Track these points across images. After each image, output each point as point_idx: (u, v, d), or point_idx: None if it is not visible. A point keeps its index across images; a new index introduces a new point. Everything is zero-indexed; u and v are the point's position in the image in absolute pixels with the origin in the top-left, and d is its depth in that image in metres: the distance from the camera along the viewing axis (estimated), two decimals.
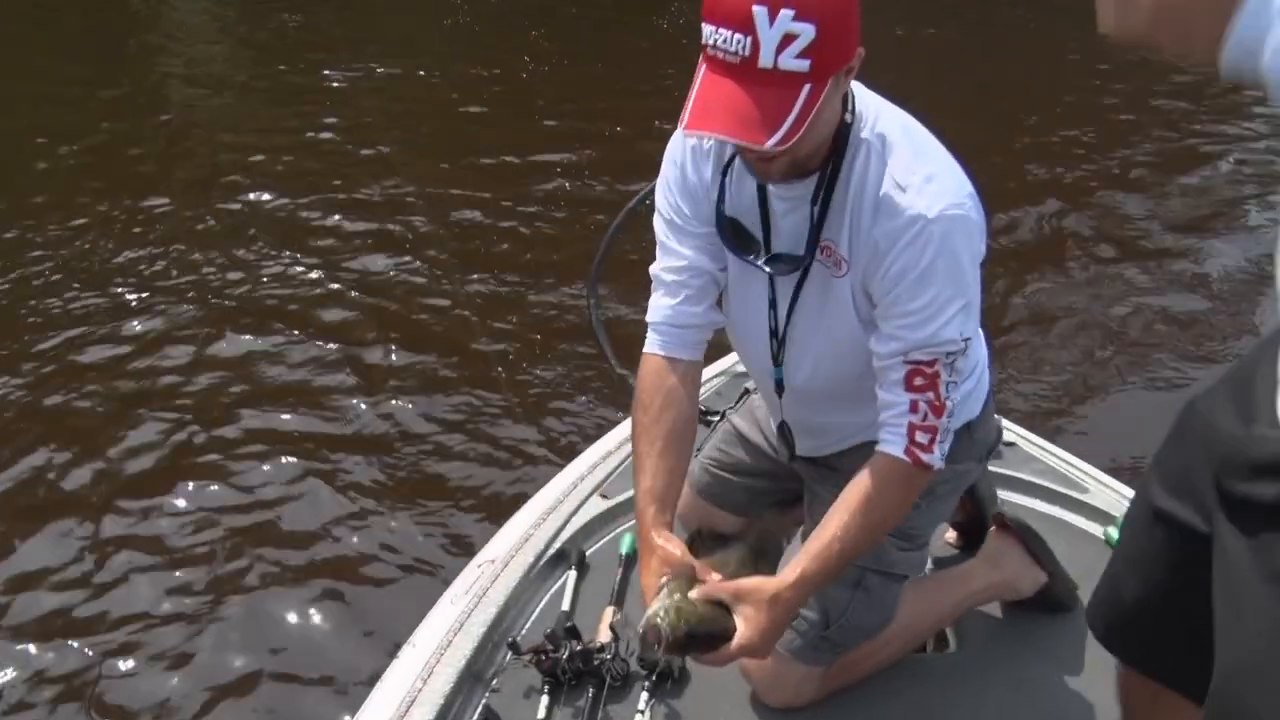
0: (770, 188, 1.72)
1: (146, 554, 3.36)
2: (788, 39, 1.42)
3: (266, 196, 6.09)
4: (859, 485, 1.71)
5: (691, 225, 1.83)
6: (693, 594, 1.68)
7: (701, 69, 1.51)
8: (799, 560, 1.70)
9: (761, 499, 2.32)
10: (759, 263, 1.74)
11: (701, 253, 1.83)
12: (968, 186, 1.64)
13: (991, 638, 2.20)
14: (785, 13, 1.40)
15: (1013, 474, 2.56)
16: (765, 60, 1.43)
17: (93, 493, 3.64)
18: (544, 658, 2.03)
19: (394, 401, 4.16)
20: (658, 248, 1.89)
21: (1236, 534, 1.17)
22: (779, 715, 2.00)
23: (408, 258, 5.33)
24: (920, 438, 1.67)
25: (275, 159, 6.63)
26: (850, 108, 1.63)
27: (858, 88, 1.67)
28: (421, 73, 8.53)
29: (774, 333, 1.87)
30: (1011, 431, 2.67)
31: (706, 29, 1.48)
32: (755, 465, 2.27)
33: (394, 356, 4.48)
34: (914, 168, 1.61)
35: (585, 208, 5.88)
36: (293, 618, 3.11)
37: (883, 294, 1.66)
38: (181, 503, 3.59)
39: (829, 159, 1.65)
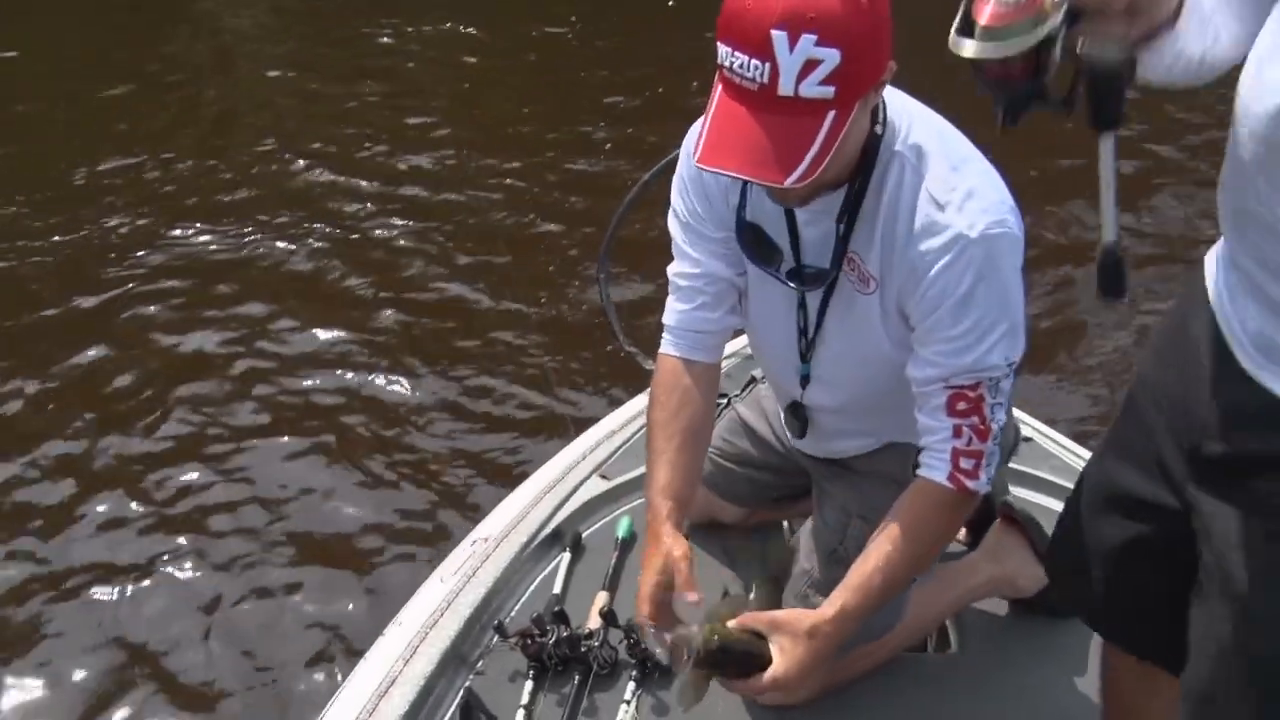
0: None
1: (139, 516, 3.35)
2: (810, 65, 1.31)
3: (292, 156, 6.09)
4: (902, 514, 1.65)
5: (707, 229, 1.74)
6: (690, 596, 1.62)
7: (718, 89, 1.41)
8: (839, 593, 1.64)
9: (765, 492, 2.26)
10: (780, 275, 1.65)
11: (717, 258, 1.75)
12: (1009, 198, 1.54)
13: (994, 639, 2.12)
14: (807, 37, 1.29)
15: (1027, 470, 2.47)
16: (785, 88, 1.33)
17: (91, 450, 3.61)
18: (530, 642, 1.97)
19: (395, 374, 4.13)
20: (673, 249, 1.81)
21: (1225, 499, 1.15)
22: (773, 713, 1.94)
23: (421, 226, 5.30)
24: (965, 464, 1.59)
25: (309, 118, 6.63)
26: (881, 118, 1.53)
27: (888, 92, 1.56)
28: (471, 30, 8.30)
29: (803, 331, 1.79)
30: (1028, 425, 2.58)
31: (722, 50, 1.37)
32: (760, 458, 2.20)
33: (400, 325, 4.46)
34: (952, 182, 1.51)
35: (615, 182, 5.77)
36: (283, 590, 3.08)
37: (921, 317, 1.57)
38: (170, 468, 3.58)
39: (857, 173, 1.55)
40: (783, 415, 2.03)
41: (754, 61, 1.32)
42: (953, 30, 1.11)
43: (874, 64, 1.38)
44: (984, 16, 1.05)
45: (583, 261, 4.73)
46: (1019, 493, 2.41)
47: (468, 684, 1.97)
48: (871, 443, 1.94)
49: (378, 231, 5.27)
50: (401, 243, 5.11)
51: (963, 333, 1.53)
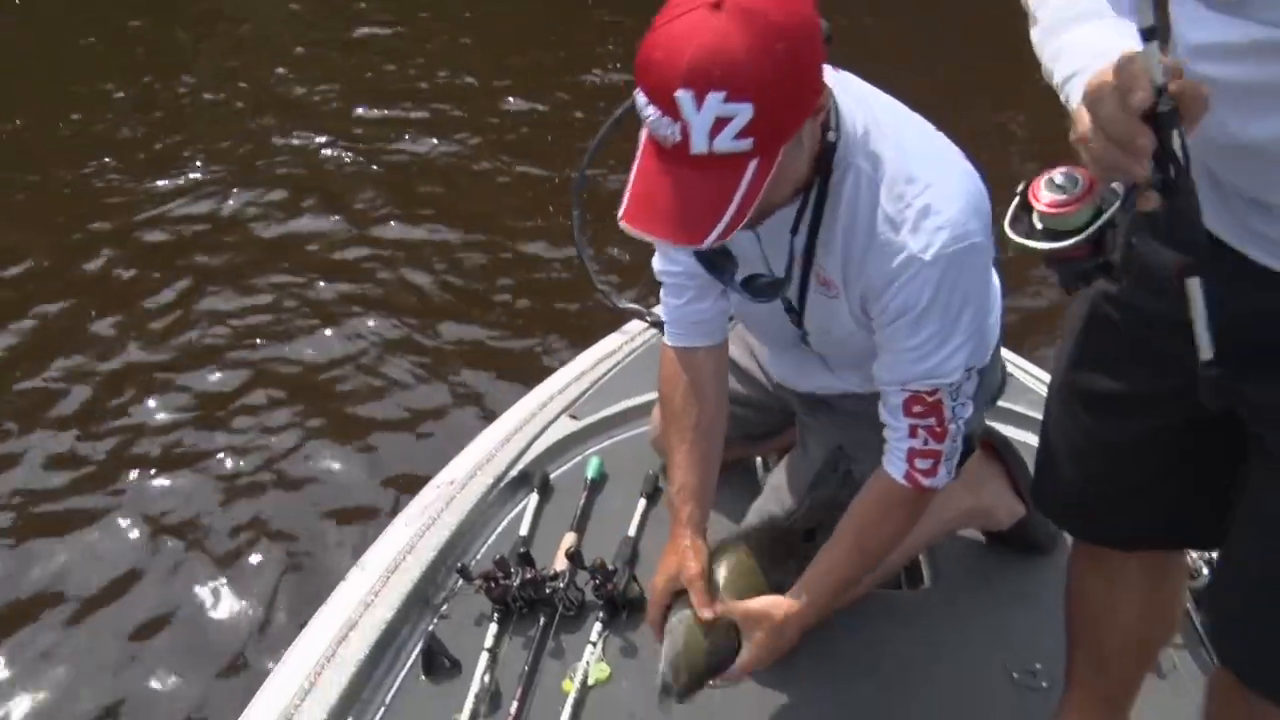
0: None
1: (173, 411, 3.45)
2: (721, 122, 1.22)
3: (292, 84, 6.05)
4: (862, 511, 1.65)
5: None
6: (705, 613, 1.62)
7: (643, 140, 1.33)
8: (804, 584, 1.64)
9: (745, 428, 2.21)
10: (735, 283, 1.56)
11: (693, 257, 1.66)
12: (973, 200, 1.45)
13: (968, 576, 2.09)
14: (714, 95, 1.20)
15: (1008, 406, 2.42)
16: (698, 146, 1.24)
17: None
18: (494, 584, 1.93)
19: (364, 318, 4.04)
20: (655, 244, 1.75)
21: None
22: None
23: (387, 171, 5.20)
24: (921, 464, 1.58)
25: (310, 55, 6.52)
26: (834, 123, 1.44)
27: (845, 85, 1.48)
28: None
29: (791, 307, 1.74)
30: (1009, 362, 2.52)
31: (638, 99, 1.28)
32: (744, 393, 2.15)
33: (368, 270, 4.37)
34: (908, 197, 1.43)
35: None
36: (247, 544, 3.03)
37: (880, 327, 1.54)
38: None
39: (813, 182, 1.47)
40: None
41: (665, 119, 1.24)
42: (1008, 216, 1.08)
43: (795, 109, 1.29)
44: (1040, 203, 1.03)
45: (560, 198, 4.65)
46: (1000, 429, 2.36)
47: (430, 628, 1.93)
48: (859, 389, 1.89)
49: (346, 171, 5.19)
50: (369, 194, 5.00)
51: (919, 344, 1.50)
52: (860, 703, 1.86)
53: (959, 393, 1.54)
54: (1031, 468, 2.11)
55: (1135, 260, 1.01)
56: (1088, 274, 1.04)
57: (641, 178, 1.32)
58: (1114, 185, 0.99)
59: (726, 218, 1.27)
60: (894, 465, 1.60)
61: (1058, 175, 1.02)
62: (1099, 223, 0.99)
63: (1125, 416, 1.38)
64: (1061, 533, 2.13)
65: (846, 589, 1.66)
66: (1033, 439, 2.33)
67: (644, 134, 1.32)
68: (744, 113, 1.21)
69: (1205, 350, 1.01)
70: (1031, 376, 2.53)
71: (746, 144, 1.24)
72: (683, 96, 1.20)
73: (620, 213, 1.33)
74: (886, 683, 1.89)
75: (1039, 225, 1.04)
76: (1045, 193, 1.02)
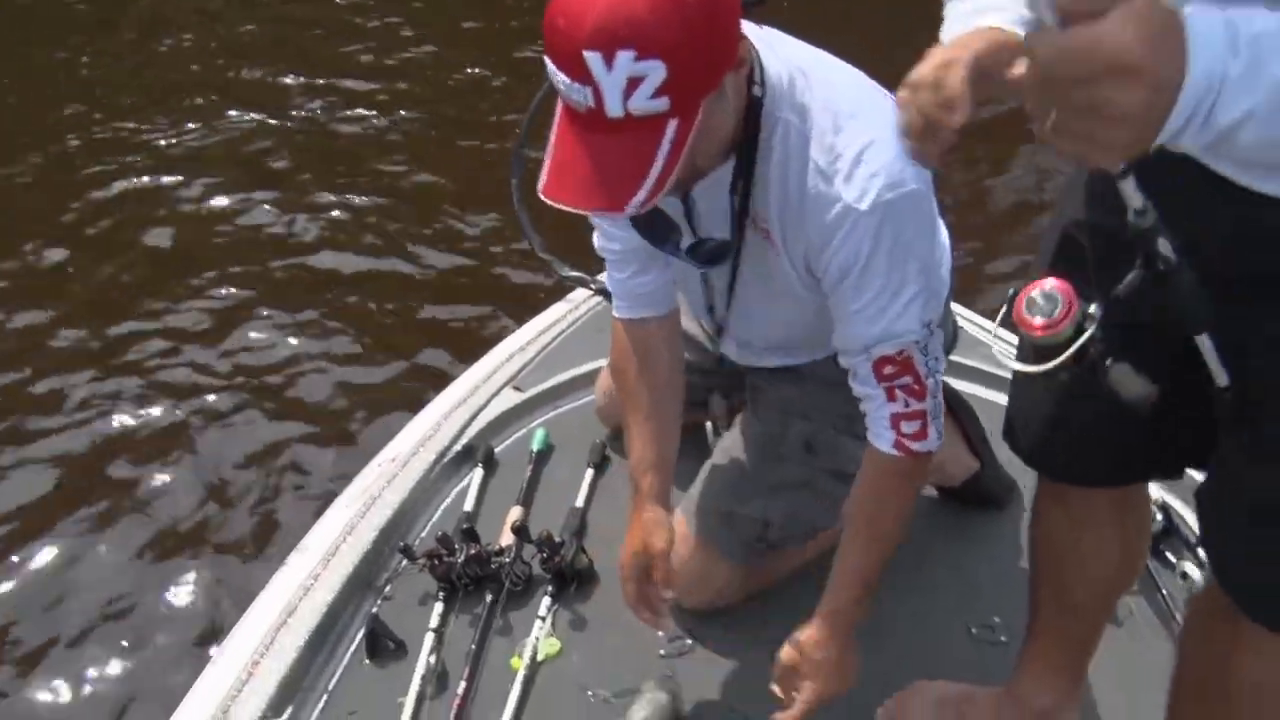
0: None
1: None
2: (634, 82, 1.16)
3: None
4: (863, 497, 1.57)
5: None
6: (667, 593, 1.68)
7: (559, 111, 1.27)
8: (828, 600, 1.57)
9: (691, 394, 2.14)
10: (680, 253, 1.51)
11: (632, 231, 1.58)
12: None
13: (923, 533, 2.04)
14: (623, 55, 1.14)
15: (958, 359, 2.38)
16: (613, 110, 1.18)
17: None
18: (438, 562, 1.88)
19: (306, 294, 3.95)
20: (592, 220, 1.70)
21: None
22: (696, 618, 1.86)
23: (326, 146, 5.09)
24: (907, 427, 1.50)
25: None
26: (759, 78, 1.38)
27: (768, 40, 1.42)
28: None
29: (710, 309, 1.74)
30: (956, 315, 2.49)
31: (549, 66, 1.22)
32: (691, 359, 2.08)
33: (314, 242, 4.29)
34: (839, 147, 1.37)
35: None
36: (186, 525, 2.94)
37: (829, 289, 1.48)
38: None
39: (744, 139, 1.41)
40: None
41: (576, 85, 1.18)
42: (995, 322, 1.15)
43: (710, 64, 1.23)
44: (1032, 327, 1.08)
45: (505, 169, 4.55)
46: (951, 383, 2.32)
47: (374, 610, 1.87)
48: (806, 360, 1.84)
49: (284, 145, 5.08)
50: (308, 168, 4.89)
51: (869, 302, 1.44)
52: None
53: (927, 349, 1.48)
54: (984, 422, 2.12)
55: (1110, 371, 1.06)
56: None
57: (559, 147, 1.26)
58: (1090, 309, 1.06)
59: (649, 181, 1.22)
60: (881, 438, 1.52)
61: (1037, 296, 1.07)
62: (1080, 341, 1.05)
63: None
64: (1017, 485, 2.10)
65: (870, 592, 1.58)
66: (983, 392, 2.34)
67: (559, 105, 1.27)
68: (656, 71, 1.16)
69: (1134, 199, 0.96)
70: (979, 328, 2.49)
71: (663, 103, 1.19)
72: (591, 58, 1.15)
73: (540, 185, 1.27)
74: None
75: (1029, 344, 1.10)
76: (1030, 316, 1.08)
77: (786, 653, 1.56)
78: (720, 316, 1.77)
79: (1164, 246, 0.91)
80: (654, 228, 1.49)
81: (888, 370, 1.47)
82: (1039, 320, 1.07)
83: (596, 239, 1.73)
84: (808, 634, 1.55)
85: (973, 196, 4.61)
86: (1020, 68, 1.00)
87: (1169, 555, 1.91)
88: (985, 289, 3.80)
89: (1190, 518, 1.97)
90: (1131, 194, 0.89)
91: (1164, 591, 1.88)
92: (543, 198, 1.28)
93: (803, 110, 1.40)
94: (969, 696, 1.69)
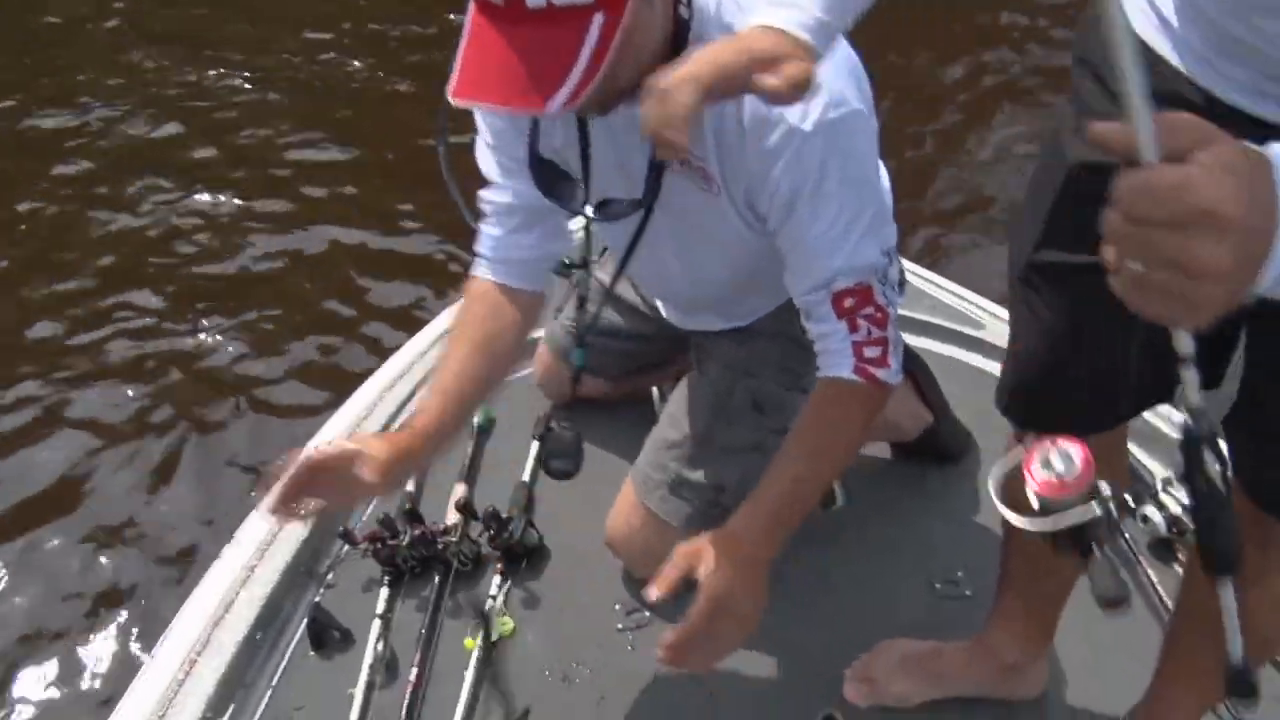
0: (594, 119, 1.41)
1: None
2: None
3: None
4: (811, 409, 1.44)
5: (509, 152, 1.52)
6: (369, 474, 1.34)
7: (471, 8, 1.18)
8: (751, 498, 1.40)
9: (633, 361, 2.10)
10: (585, 211, 1.43)
11: (527, 182, 1.48)
12: (846, 65, 1.33)
13: (881, 491, 2.02)
14: None
15: (907, 313, 2.35)
16: None
17: None
18: (381, 546, 1.79)
19: (237, 268, 3.82)
20: (481, 170, 1.59)
21: None
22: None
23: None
24: (870, 353, 1.40)
25: None
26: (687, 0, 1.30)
27: None
28: None
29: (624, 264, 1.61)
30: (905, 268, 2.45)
31: None
32: (628, 327, 2.03)
33: (242, 205, 4.16)
34: None
35: None
36: (125, 506, 2.83)
37: (778, 223, 1.39)
38: None
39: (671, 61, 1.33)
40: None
41: None
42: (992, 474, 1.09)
43: None
44: (1034, 481, 0.99)
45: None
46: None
47: (316, 600, 1.78)
48: (749, 318, 1.78)
49: (225, 98, 4.95)
50: (244, 124, 4.74)
51: (824, 231, 1.36)
52: (780, 624, 1.77)
53: (886, 278, 1.40)
54: (937, 375, 2.08)
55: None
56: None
57: (473, 43, 1.16)
58: (1103, 485, 0.99)
59: (574, 78, 1.12)
60: (841, 364, 1.41)
61: (1054, 456, 0.99)
62: (1088, 518, 0.98)
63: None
64: (972, 436, 2.07)
65: (799, 498, 1.41)
66: (933, 345, 2.30)
67: (471, 5, 1.17)
68: None
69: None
70: (926, 281, 2.46)
71: None
72: None
73: (450, 87, 1.17)
74: (806, 602, 1.81)
75: (1033, 501, 1.01)
76: (1039, 470, 0.99)
77: (695, 542, 1.35)
78: (632, 273, 1.68)
79: (1212, 464, 0.80)
80: (554, 182, 1.42)
81: (848, 303, 1.39)
82: (1048, 478, 0.99)
83: (485, 192, 1.60)
84: (729, 529, 1.37)
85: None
86: (772, 79, 1.00)
87: (1129, 500, 1.88)
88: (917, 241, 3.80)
89: (1148, 460, 1.95)
90: (1192, 385, 0.78)
91: (1126, 536, 1.86)
92: (453, 101, 1.18)
93: (732, 32, 1.28)
94: (937, 652, 1.66)
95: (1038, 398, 1.33)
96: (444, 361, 1.55)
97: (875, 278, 1.38)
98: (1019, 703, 1.65)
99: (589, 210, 1.45)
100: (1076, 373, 1.26)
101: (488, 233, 1.60)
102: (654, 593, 1.31)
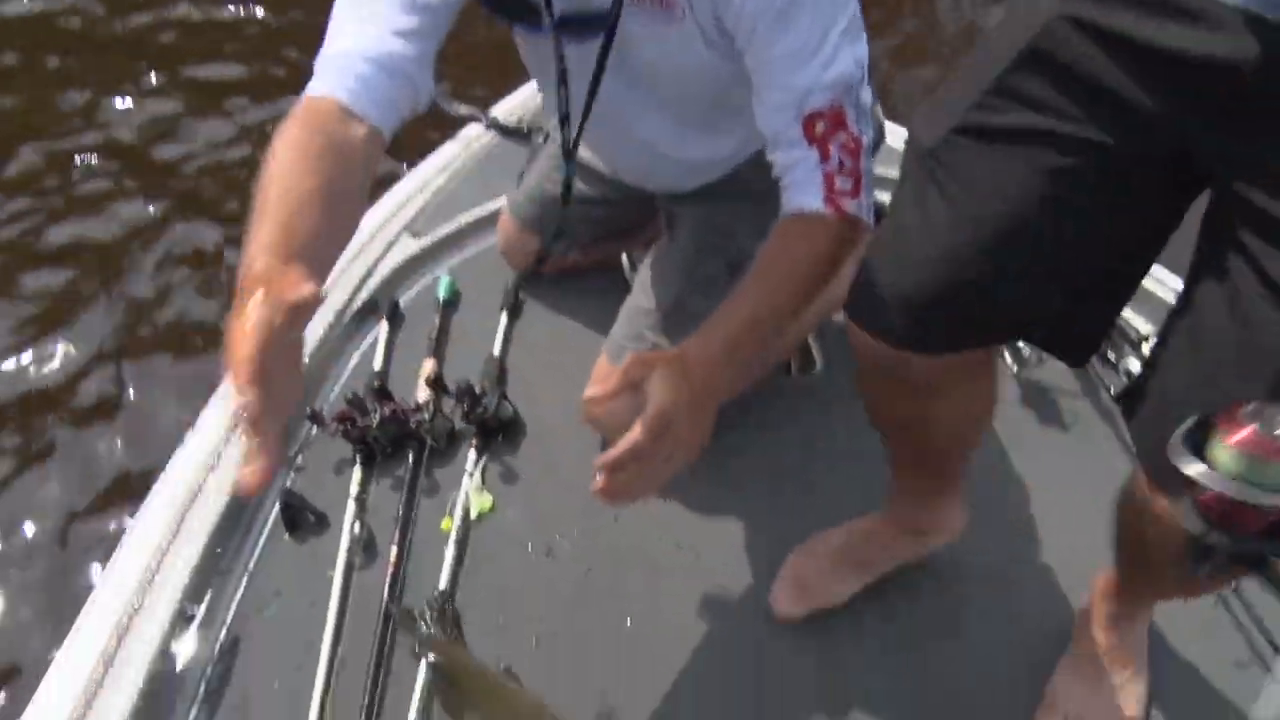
0: None
1: None
2: None
3: None
4: (773, 239, 1.32)
5: None
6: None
7: None
8: (704, 326, 1.25)
9: (601, 228, 2.03)
10: (544, 28, 1.32)
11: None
12: None
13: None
14: None
15: (880, 172, 2.27)
16: None
17: None
18: (351, 425, 1.73)
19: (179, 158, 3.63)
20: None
21: None
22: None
23: None
24: (841, 184, 1.30)
25: None
26: None
27: None
28: None
29: (565, 120, 1.52)
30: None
31: None
32: (595, 193, 1.94)
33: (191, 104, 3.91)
34: None
35: None
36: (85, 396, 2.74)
37: (746, 39, 1.30)
38: None
39: None
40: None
41: None
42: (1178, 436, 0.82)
43: None
44: (1235, 436, 0.78)
45: None
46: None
47: (287, 484, 1.73)
48: (719, 171, 1.71)
49: None
50: None
51: (797, 42, 1.27)
52: (754, 487, 1.76)
53: (858, 102, 1.30)
54: None
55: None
56: (1244, 558, 0.83)
57: None
58: None
59: None
60: (809, 194, 1.31)
61: None
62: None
63: (1038, 159, 1.06)
64: None
65: (756, 335, 1.27)
66: None
67: None
68: None
69: None
70: (900, 139, 2.38)
71: None
72: None
73: None
74: (780, 464, 1.79)
75: (1226, 460, 0.79)
76: (1247, 430, 0.78)
77: (640, 357, 1.18)
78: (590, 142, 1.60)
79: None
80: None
81: (820, 128, 1.30)
82: (1269, 437, 0.77)
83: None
84: (673, 353, 1.21)
85: None
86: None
87: (1110, 354, 1.87)
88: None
89: (1131, 316, 1.93)
90: (1194, 520, 0.75)
91: (1109, 389, 1.85)
92: None
93: None
94: (861, 538, 1.60)
95: (950, 306, 1.15)
96: (268, 208, 1.07)
97: (849, 100, 1.29)
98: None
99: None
100: (1014, 271, 1.11)
101: (345, 30, 1.25)
102: (595, 395, 1.25)
